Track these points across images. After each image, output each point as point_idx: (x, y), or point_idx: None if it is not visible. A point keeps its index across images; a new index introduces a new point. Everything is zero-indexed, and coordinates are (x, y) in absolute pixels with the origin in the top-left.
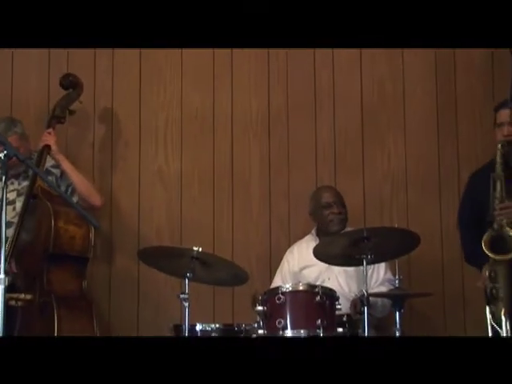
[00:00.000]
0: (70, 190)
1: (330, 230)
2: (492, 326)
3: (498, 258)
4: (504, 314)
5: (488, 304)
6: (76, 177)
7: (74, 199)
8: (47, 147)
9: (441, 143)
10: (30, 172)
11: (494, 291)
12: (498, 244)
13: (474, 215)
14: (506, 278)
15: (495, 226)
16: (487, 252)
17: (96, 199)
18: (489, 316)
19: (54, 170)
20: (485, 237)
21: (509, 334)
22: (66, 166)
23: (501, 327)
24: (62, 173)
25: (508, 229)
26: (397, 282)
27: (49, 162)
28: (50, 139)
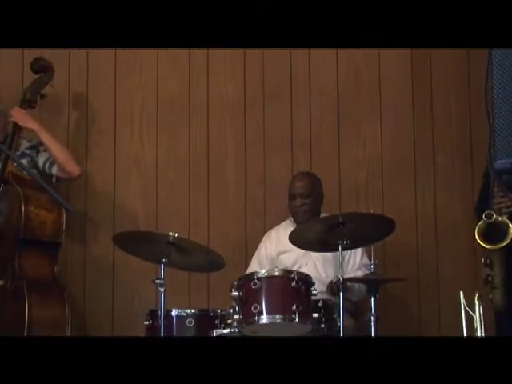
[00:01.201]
0: (47, 165)
1: (296, 220)
2: (465, 310)
3: (489, 247)
4: (477, 299)
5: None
6: (53, 145)
7: (53, 171)
8: (16, 125)
9: (416, 129)
10: (2, 156)
11: (489, 278)
12: (491, 233)
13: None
14: (501, 265)
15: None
16: (480, 241)
17: (74, 168)
18: (463, 301)
19: (30, 152)
20: (478, 225)
21: (481, 318)
22: (43, 135)
23: (474, 312)
24: (38, 152)
25: (501, 217)
26: (372, 267)
27: (24, 145)
28: (16, 115)
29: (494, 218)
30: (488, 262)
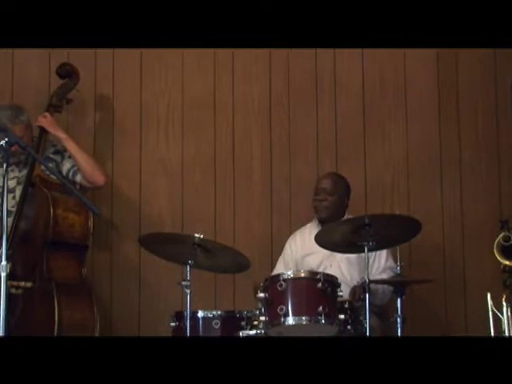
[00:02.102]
0: (71, 173)
1: (317, 216)
2: (493, 312)
3: (507, 263)
4: (505, 300)
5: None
6: (79, 155)
7: (77, 180)
8: (43, 130)
9: (442, 129)
10: (30, 160)
11: (508, 283)
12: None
13: None
14: None
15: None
16: (497, 256)
17: (100, 178)
18: (490, 302)
19: (55, 157)
20: (496, 242)
21: (509, 320)
22: (69, 144)
23: (502, 313)
24: (63, 157)
25: None
26: (398, 268)
27: (49, 149)
28: (43, 121)
29: (510, 243)
30: (507, 268)
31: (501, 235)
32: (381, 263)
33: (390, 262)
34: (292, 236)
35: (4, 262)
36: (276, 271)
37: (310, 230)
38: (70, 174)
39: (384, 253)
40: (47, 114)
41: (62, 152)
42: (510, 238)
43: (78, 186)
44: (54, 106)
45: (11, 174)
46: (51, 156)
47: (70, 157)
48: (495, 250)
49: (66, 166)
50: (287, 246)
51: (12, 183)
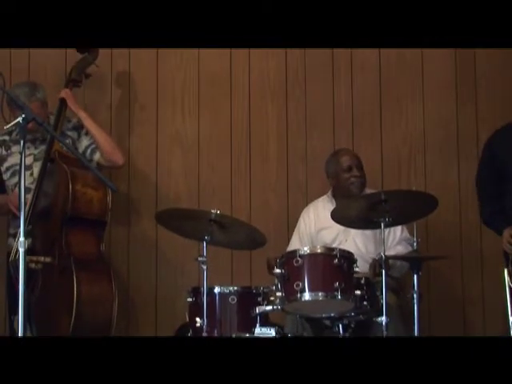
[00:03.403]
0: (89, 150)
1: (350, 192)
2: (510, 288)
3: None
4: None
5: (507, 266)
6: (99, 134)
7: (95, 158)
8: (62, 104)
9: (459, 105)
10: (48, 136)
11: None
12: None
13: (494, 172)
14: None
15: None
16: None
17: (119, 157)
18: (507, 278)
19: (71, 133)
20: None
21: None
22: (88, 122)
23: None
24: (80, 134)
25: None
26: (415, 244)
27: (65, 125)
28: (68, 94)
29: None
30: None
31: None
32: (396, 235)
33: (406, 234)
34: (305, 209)
35: (22, 239)
36: (291, 246)
37: (324, 204)
38: (88, 151)
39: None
40: (67, 90)
41: (78, 128)
42: None
43: (95, 164)
44: (74, 80)
45: (27, 151)
46: (67, 133)
47: (86, 134)
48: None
49: (84, 143)
50: (301, 219)
51: (28, 160)
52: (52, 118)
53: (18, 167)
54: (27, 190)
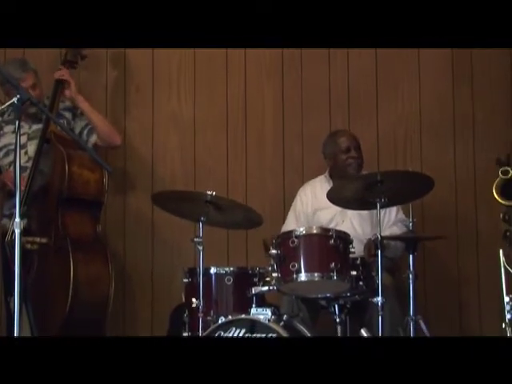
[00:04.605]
0: (86, 131)
1: (348, 173)
2: (505, 268)
3: (507, 203)
4: None
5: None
6: (95, 116)
7: (92, 140)
8: (62, 83)
9: (455, 86)
10: (43, 116)
11: (508, 233)
12: (509, 188)
13: None
14: None
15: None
16: (497, 197)
17: (116, 137)
18: (502, 258)
19: (66, 113)
20: (496, 182)
21: None
22: (85, 106)
23: None
24: (75, 115)
25: None
26: (410, 224)
27: (60, 105)
28: (66, 75)
29: (510, 175)
30: (507, 217)
31: (500, 170)
32: (391, 216)
33: (401, 215)
34: (302, 188)
35: (18, 219)
36: (286, 224)
37: (321, 184)
38: (85, 132)
39: (394, 206)
40: (67, 71)
41: (72, 109)
42: (507, 171)
43: (92, 145)
44: (69, 61)
45: (21, 130)
46: (63, 113)
47: (82, 114)
48: (494, 192)
49: (79, 125)
50: (298, 198)
51: (22, 139)
52: (49, 96)
53: (11, 147)
54: (22, 168)
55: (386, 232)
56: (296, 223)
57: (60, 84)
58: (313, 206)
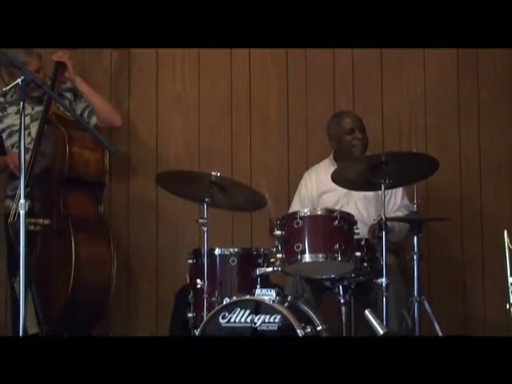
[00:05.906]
0: (87, 113)
1: (352, 155)
2: (509, 249)
3: None
4: None
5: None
6: (95, 98)
7: (92, 121)
8: (61, 64)
9: (460, 67)
10: (45, 97)
11: None
12: None
13: None
14: None
15: None
16: None
17: (116, 118)
18: (507, 239)
19: (67, 94)
20: None
21: None
22: (84, 87)
23: None
24: (76, 96)
25: None
26: (415, 206)
27: (61, 86)
28: (64, 56)
29: None
30: None
31: None
32: (397, 200)
33: (406, 201)
34: (307, 173)
35: (22, 200)
36: (292, 209)
37: (325, 168)
38: (86, 113)
39: (400, 191)
40: (67, 52)
41: (73, 90)
42: None
43: (93, 126)
44: None
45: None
46: (64, 94)
47: (82, 95)
48: None
49: (80, 106)
50: (302, 183)
51: (26, 120)
52: (50, 78)
53: (14, 128)
54: (26, 150)
55: (391, 216)
56: (301, 207)
57: (59, 66)
58: (318, 190)
